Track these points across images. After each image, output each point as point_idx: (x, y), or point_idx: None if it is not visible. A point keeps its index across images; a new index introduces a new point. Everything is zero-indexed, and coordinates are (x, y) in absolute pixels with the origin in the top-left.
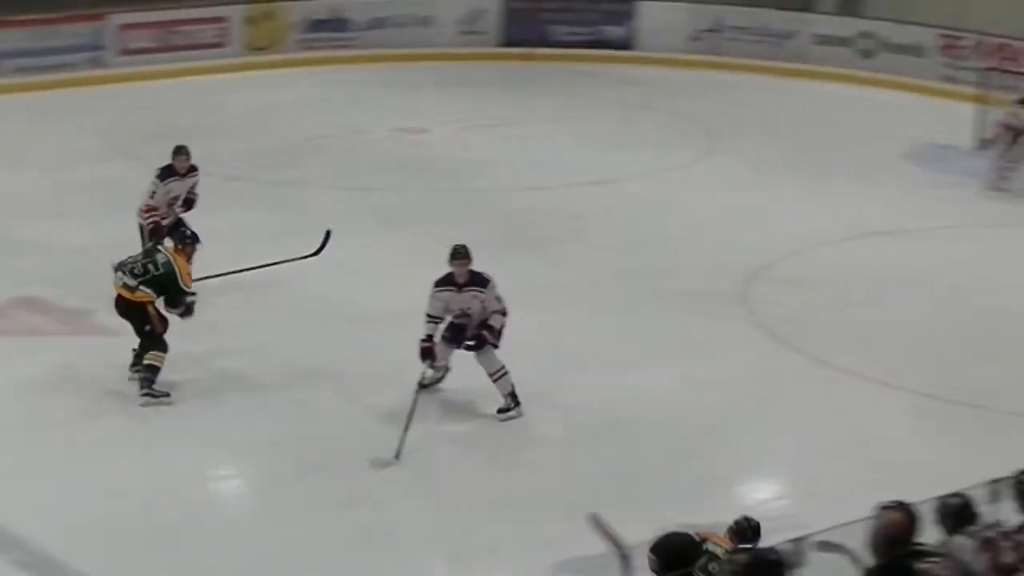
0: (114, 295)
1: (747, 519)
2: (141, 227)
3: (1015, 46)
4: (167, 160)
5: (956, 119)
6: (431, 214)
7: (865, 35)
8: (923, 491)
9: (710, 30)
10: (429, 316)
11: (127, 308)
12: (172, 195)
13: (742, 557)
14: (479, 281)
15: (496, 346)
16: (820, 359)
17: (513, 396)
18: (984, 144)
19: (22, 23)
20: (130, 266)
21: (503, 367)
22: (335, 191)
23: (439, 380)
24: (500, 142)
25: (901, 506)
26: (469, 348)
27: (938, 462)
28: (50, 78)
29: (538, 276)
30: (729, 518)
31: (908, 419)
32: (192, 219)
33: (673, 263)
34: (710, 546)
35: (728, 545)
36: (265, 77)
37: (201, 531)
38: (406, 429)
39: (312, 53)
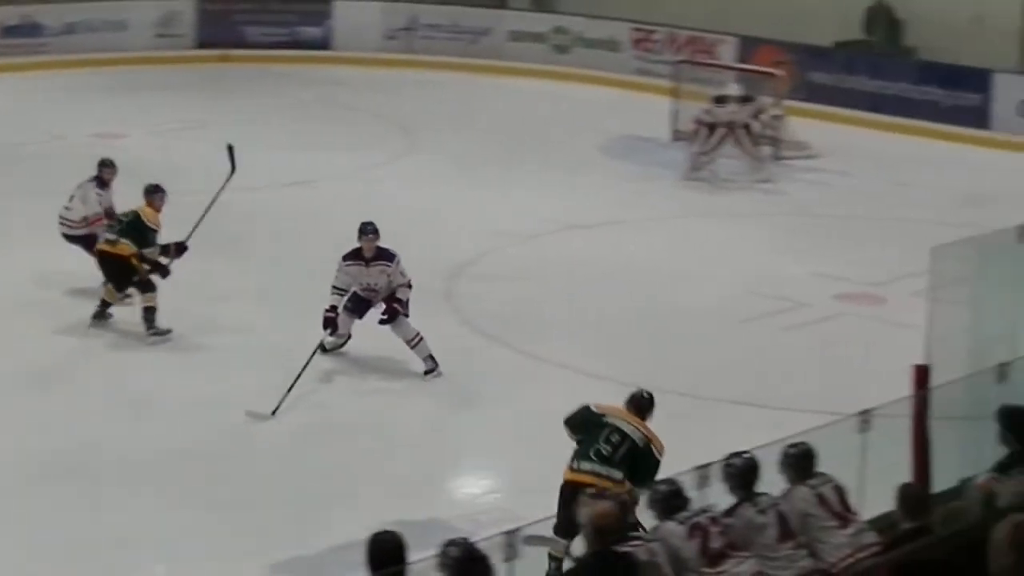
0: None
1: (641, 391)
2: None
3: (706, 39)
4: None
5: (652, 112)
6: None
7: (559, 30)
8: None
9: (405, 28)
10: (335, 288)
11: (112, 263)
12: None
13: (453, 551)
14: (386, 256)
15: (406, 315)
16: (528, 353)
17: (432, 358)
18: (679, 136)
19: None
20: (108, 225)
21: (418, 333)
22: (33, 197)
23: (340, 346)
24: (198, 144)
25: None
26: (384, 322)
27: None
28: None
29: (240, 278)
30: (444, 514)
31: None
32: None
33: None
34: (610, 419)
35: (629, 418)
36: None
37: None
38: (290, 388)
39: (5, 60)
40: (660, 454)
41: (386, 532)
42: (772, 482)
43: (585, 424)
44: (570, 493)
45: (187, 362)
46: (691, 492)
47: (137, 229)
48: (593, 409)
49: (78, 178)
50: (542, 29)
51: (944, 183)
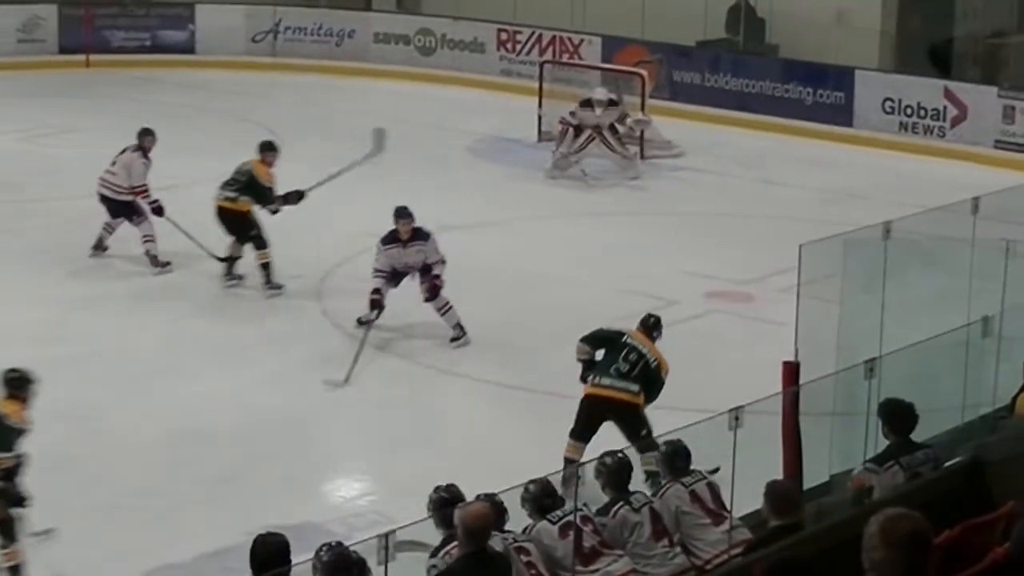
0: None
1: (649, 315)
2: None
3: (572, 39)
4: None
5: (518, 113)
6: None
7: (424, 32)
8: (509, 479)
9: (268, 32)
10: (377, 271)
11: (232, 219)
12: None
13: (326, 555)
14: (421, 236)
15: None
16: (400, 354)
17: (460, 326)
18: (546, 137)
19: None
20: (225, 183)
21: (448, 302)
22: None
23: (375, 320)
24: (61, 150)
25: (486, 497)
26: (428, 300)
27: (521, 450)
28: None
29: (107, 284)
30: (318, 518)
31: (491, 410)
32: None
33: (244, 266)
34: (628, 338)
35: (643, 339)
36: None
37: None
38: (356, 358)
39: None
40: (666, 376)
41: (271, 533)
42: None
43: (605, 341)
44: (591, 406)
45: (37, 371)
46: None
47: (253, 187)
48: (607, 328)
49: None
50: (407, 31)
51: (809, 180)
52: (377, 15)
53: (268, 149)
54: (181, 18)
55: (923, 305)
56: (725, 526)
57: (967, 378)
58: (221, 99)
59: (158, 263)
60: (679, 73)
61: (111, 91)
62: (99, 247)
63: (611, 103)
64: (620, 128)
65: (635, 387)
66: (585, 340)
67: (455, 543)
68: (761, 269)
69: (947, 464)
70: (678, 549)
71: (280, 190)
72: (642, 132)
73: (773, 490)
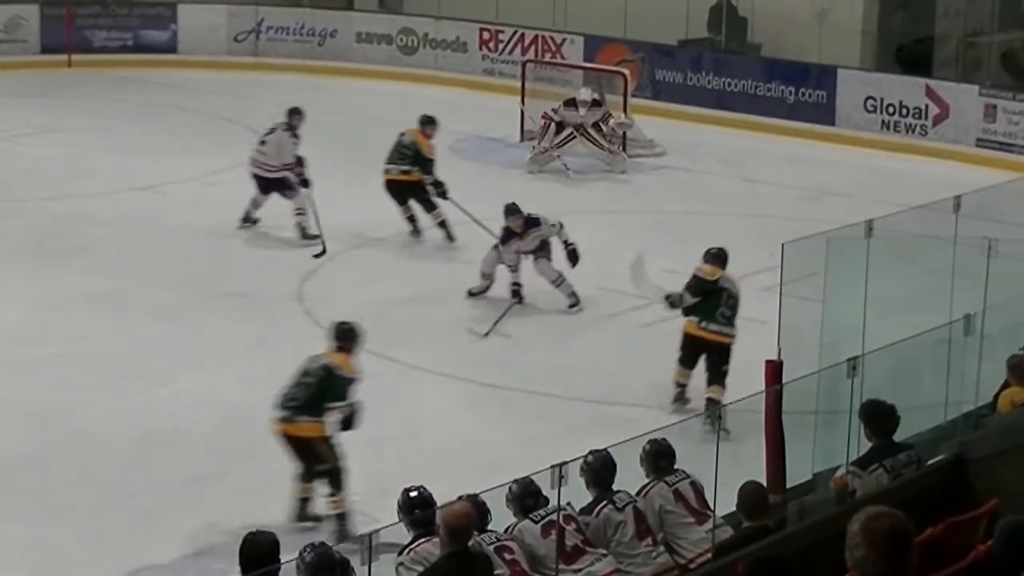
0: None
1: (711, 247)
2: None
3: (554, 38)
4: None
5: (501, 112)
6: None
7: (406, 31)
8: (493, 478)
9: (251, 31)
10: (509, 266)
11: (405, 189)
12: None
13: (308, 555)
14: (533, 223)
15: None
16: (381, 354)
17: (575, 294)
18: (529, 136)
19: None
20: (393, 158)
21: (560, 273)
22: None
23: (486, 289)
24: (43, 150)
25: (468, 497)
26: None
27: (503, 449)
28: None
29: (86, 284)
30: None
31: (472, 409)
32: None
33: (226, 266)
34: (722, 282)
35: (726, 275)
36: None
37: None
38: (501, 316)
39: None
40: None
41: (260, 532)
42: (633, 480)
43: (702, 288)
44: (696, 344)
45: (14, 372)
46: (547, 490)
47: (419, 158)
48: (702, 276)
49: None
50: (389, 31)
51: (791, 179)
52: (359, 15)
53: (428, 123)
54: (163, 18)
55: (905, 303)
56: (708, 525)
57: (950, 376)
58: (203, 99)
59: (307, 235)
60: (661, 72)
61: (93, 91)
62: (247, 220)
63: (595, 103)
64: (603, 128)
65: (735, 331)
66: (689, 291)
67: (421, 540)
68: (743, 268)
69: (930, 462)
70: (661, 548)
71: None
72: (624, 132)
73: (744, 492)
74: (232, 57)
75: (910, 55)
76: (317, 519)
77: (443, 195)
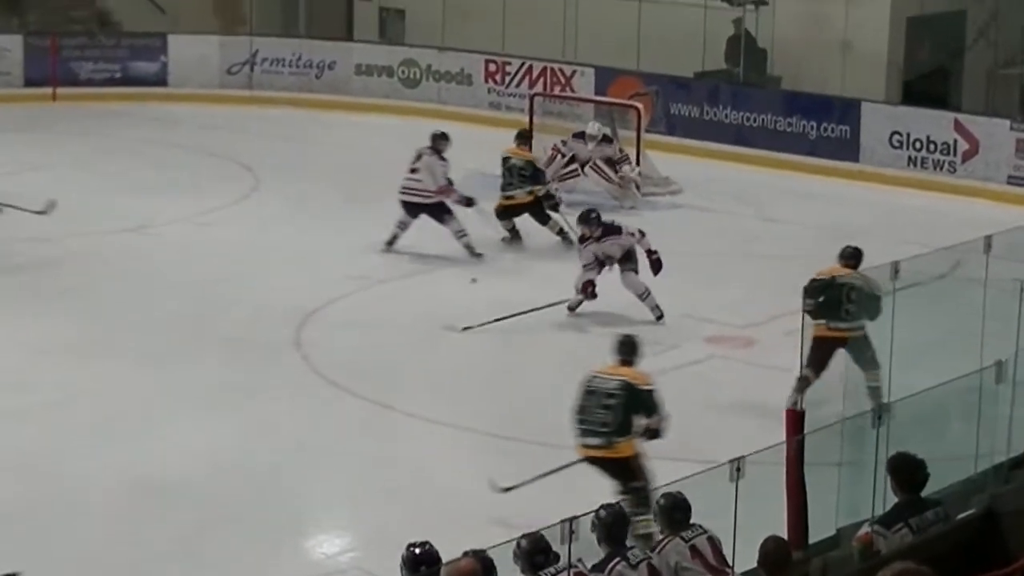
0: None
1: (847, 245)
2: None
3: (564, 70)
4: None
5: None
6: None
7: (408, 63)
8: (500, 534)
9: (244, 63)
10: (584, 266)
11: (527, 208)
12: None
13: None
14: (613, 231)
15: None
16: (383, 403)
17: (658, 307)
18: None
19: None
20: (511, 183)
21: (647, 288)
22: None
23: (579, 304)
24: (28, 188)
25: (474, 553)
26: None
27: (510, 503)
28: None
29: (70, 329)
30: (301, 573)
31: (478, 461)
32: None
33: (219, 310)
34: (840, 278)
35: (851, 272)
36: None
37: None
38: (542, 307)
39: None
40: (880, 293)
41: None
42: None
43: (822, 289)
44: (828, 345)
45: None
46: (559, 546)
47: (538, 175)
48: (821, 277)
49: None
50: (390, 62)
51: (813, 218)
52: (359, 46)
53: (522, 137)
54: (152, 49)
55: (933, 349)
56: None
57: (980, 425)
58: (194, 134)
59: (475, 254)
60: (676, 106)
61: (79, 126)
62: (392, 243)
63: (605, 139)
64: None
65: (863, 324)
66: (808, 294)
67: None
68: (763, 312)
69: (959, 517)
70: None
71: (262, 229)
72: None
73: (765, 548)
74: (225, 90)
75: (923, 90)
76: None
77: (555, 207)
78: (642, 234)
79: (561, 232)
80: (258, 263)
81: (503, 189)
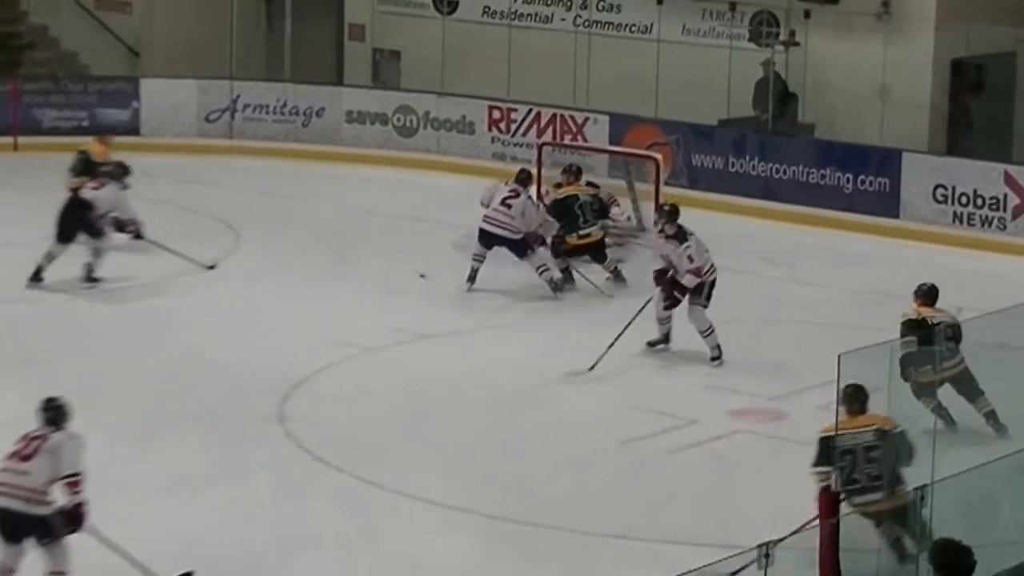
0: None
1: (921, 284)
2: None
3: (575, 117)
4: None
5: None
6: None
7: (404, 110)
8: None
9: (224, 109)
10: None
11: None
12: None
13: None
14: (679, 236)
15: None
16: (372, 481)
17: (719, 347)
18: None
19: None
20: (587, 220)
21: (711, 325)
22: None
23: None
24: None
25: None
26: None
27: None
28: None
29: (33, 403)
30: None
31: (476, 543)
32: None
33: (196, 381)
34: (935, 317)
35: (934, 310)
36: None
37: None
38: (611, 344)
39: None
40: None
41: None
42: None
43: (916, 328)
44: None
45: None
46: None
47: (604, 208)
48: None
49: None
50: (384, 109)
51: (849, 280)
52: (350, 91)
53: (571, 171)
54: (123, 94)
55: (981, 423)
56: None
57: None
58: (169, 188)
59: (557, 287)
60: (698, 156)
61: (43, 179)
62: (472, 279)
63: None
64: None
65: (962, 356)
66: (908, 329)
67: None
68: (794, 383)
69: None
70: None
71: (243, 292)
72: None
73: None
74: (203, 139)
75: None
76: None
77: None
78: (697, 273)
79: (616, 270)
80: (239, 329)
81: (580, 227)
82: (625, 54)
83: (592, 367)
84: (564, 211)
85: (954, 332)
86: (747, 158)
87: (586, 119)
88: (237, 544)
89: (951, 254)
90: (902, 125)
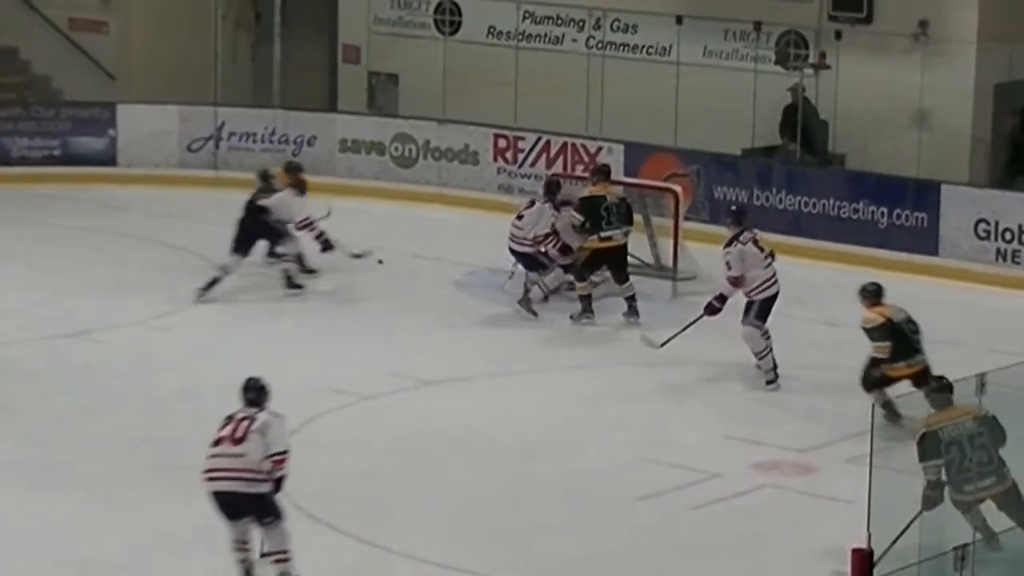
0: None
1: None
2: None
3: (587, 147)
4: None
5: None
6: None
7: (402, 138)
8: None
9: (208, 138)
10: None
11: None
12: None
13: None
14: (737, 240)
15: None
16: (368, 540)
17: (774, 371)
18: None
19: None
20: (611, 221)
21: (767, 346)
22: None
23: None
24: None
25: None
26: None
27: None
28: None
29: (4, 452)
30: None
31: None
32: None
33: (176, 431)
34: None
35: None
36: None
37: None
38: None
39: None
40: None
41: None
42: None
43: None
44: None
45: None
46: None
47: (630, 213)
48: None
49: None
50: (381, 137)
51: None
52: (344, 117)
53: (600, 172)
54: (99, 121)
55: None
56: None
57: None
58: (148, 222)
59: (573, 316)
60: (720, 189)
61: (12, 213)
62: (527, 305)
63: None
64: None
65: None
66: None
67: None
68: (823, 434)
69: None
70: None
71: (227, 335)
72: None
73: None
74: (185, 170)
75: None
76: None
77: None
78: (735, 283)
79: (631, 301)
80: (222, 375)
81: (603, 228)
82: (641, 78)
83: (663, 344)
84: (590, 211)
85: (914, 330)
86: (773, 191)
87: (599, 148)
88: None
89: (994, 294)
90: (941, 155)
